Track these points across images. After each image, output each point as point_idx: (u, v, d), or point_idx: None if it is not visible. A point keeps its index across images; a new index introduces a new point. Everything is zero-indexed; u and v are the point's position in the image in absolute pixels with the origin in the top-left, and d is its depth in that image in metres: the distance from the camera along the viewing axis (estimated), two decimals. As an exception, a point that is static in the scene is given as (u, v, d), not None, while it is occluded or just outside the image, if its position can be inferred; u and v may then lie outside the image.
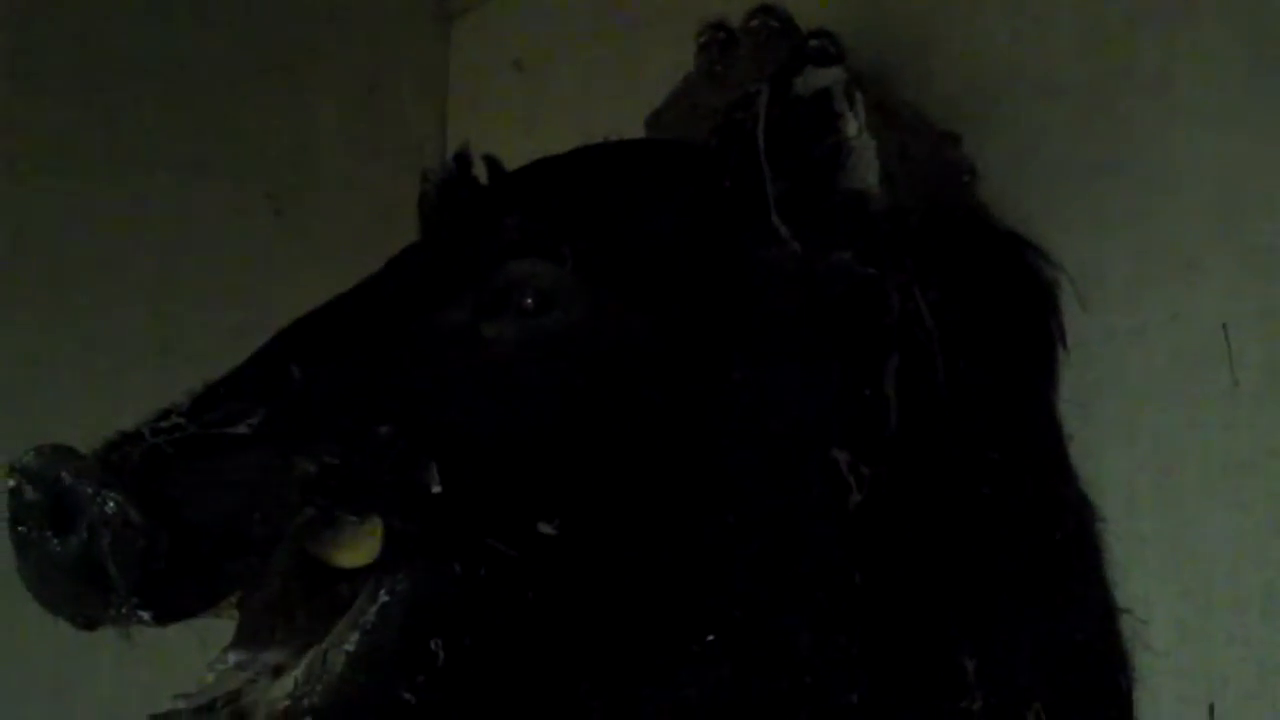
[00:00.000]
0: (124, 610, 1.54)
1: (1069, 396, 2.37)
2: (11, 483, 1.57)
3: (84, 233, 2.90)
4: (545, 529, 1.77)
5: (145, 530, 1.52)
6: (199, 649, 1.74)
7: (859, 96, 2.08)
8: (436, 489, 1.69)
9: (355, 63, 3.39)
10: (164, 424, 1.62)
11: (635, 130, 2.64)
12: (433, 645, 1.68)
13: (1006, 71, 2.55)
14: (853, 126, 2.06)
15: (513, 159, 3.40)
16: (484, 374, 1.84)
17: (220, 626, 1.74)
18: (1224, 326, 2.25)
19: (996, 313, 2.34)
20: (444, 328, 1.86)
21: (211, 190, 3.12)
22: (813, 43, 2.43)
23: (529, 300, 1.87)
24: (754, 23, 2.48)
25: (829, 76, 2.08)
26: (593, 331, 1.87)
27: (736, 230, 1.98)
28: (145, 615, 1.55)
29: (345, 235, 3.20)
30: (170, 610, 1.58)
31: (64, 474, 1.54)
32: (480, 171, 2.27)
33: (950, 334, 2.20)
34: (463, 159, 2.27)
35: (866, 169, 2.06)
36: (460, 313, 1.88)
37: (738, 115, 2.00)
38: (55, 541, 1.53)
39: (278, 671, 1.69)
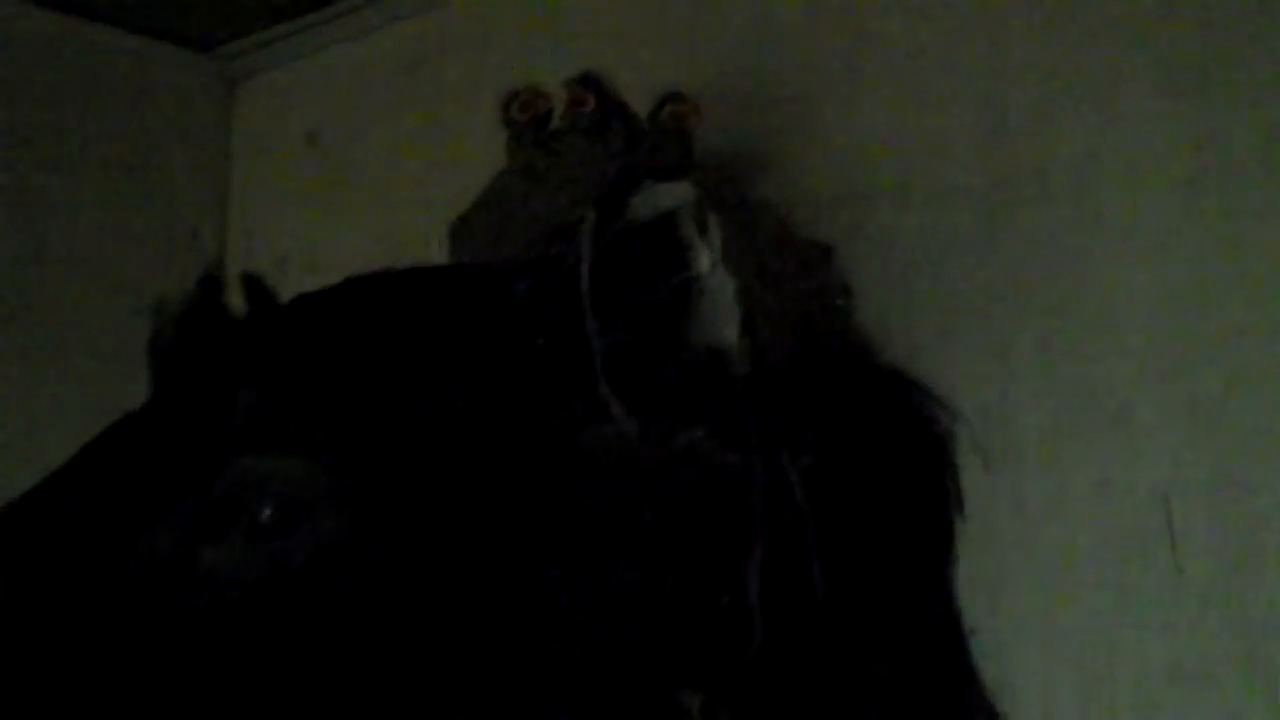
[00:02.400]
0: None
1: (970, 580, 1.91)
2: None
3: None
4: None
5: None
6: None
7: (714, 220, 1.59)
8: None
9: (118, 132, 2.85)
10: None
11: (446, 216, 2.18)
12: None
13: (891, 170, 2.12)
14: (705, 261, 1.58)
15: (305, 250, 2.91)
16: (199, 626, 1.33)
17: None
18: (1164, 498, 1.80)
19: (879, 477, 1.90)
20: (147, 558, 1.35)
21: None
22: (669, 108, 1.97)
23: (266, 513, 1.37)
24: (579, 106, 1.99)
25: (675, 194, 1.59)
26: (354, 555, 1.39)
27: (554, 404, 1.49)
28: None
29: (100, 344, 2.63)
30: None
31: None
32: (241, 301, 1.74)
33: (825, 509, 1.75)
34: (210, 286, 1.73)
35: (723, 316, 1.58)
36: (172, 533, 1.35)
37: (554, 250, 1.50)
38: None
39: None
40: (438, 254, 2.23)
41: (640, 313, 1.56)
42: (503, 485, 1.50)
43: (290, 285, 2.57)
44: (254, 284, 1.76)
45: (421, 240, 2.59)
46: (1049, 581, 1.92)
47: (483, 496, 1.48)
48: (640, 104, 2.09)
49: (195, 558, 1.40)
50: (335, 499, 1.42)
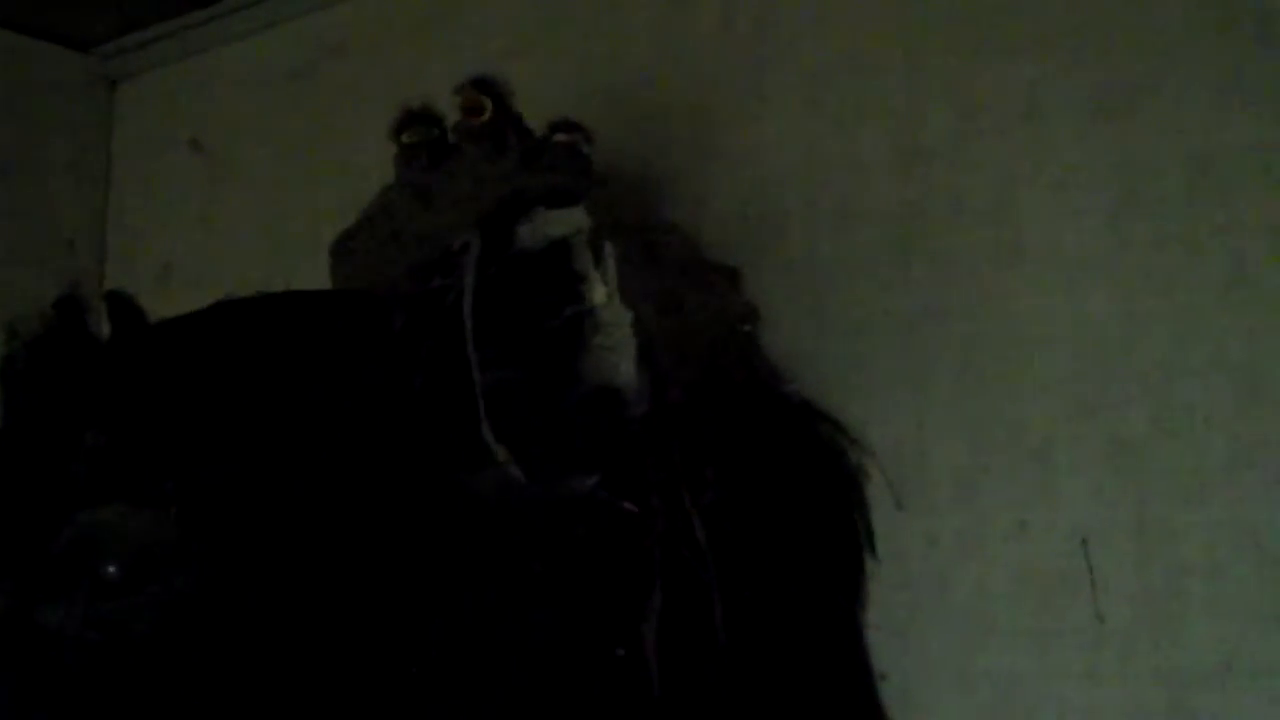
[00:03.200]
0: None
1: (882, 623, 1.83)
2: None
3: None
4: None
5: None
6: None
7: (609, 249, 1.49)
8: None
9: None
10: None
11: (334, 225, 2.08)
12: None
13: (800, 190, 2.01)
14: (600, 292, 1.48)
15: (188, 260, 2.76)
16: (37, 693, 1.20)
17: None
18: (1084, 541, 1.73)
19: (786, 514, 1.84)
20: (-22, 617, 1.22)
21: None
22: (559, 137, 1.86)
23: (110, 570, 1.23)
24: (471, 117, 1.86)
25: (567, 221, 1.48)
26: (207, 615, 1.27)
27: (433, 448, 1.37)
28: None
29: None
30: None
31: None
32: (105, 323, 1.62)
33: (729, 549, 1.67)
34: (69, 307, 1.62)
35: (619, 352, 1.47)
36: (8, 591, 1.23)
37: (436, 282, 1.39)
38: None
39: None
40: (323, 269, 2.10)
41: (528, 349, 1.45)
42: (375, 536, 1.38)
43: (173, 297, 2.42)
44: (119, 304, 1.63)
45: (308, 250, 2.46)
46: (964, 625, 1.81)
47: (353, 549, 1.36)
48: (536, 117, 1.97)
49: (33, 618, 1.27)
50: (187, 554, 1.30)
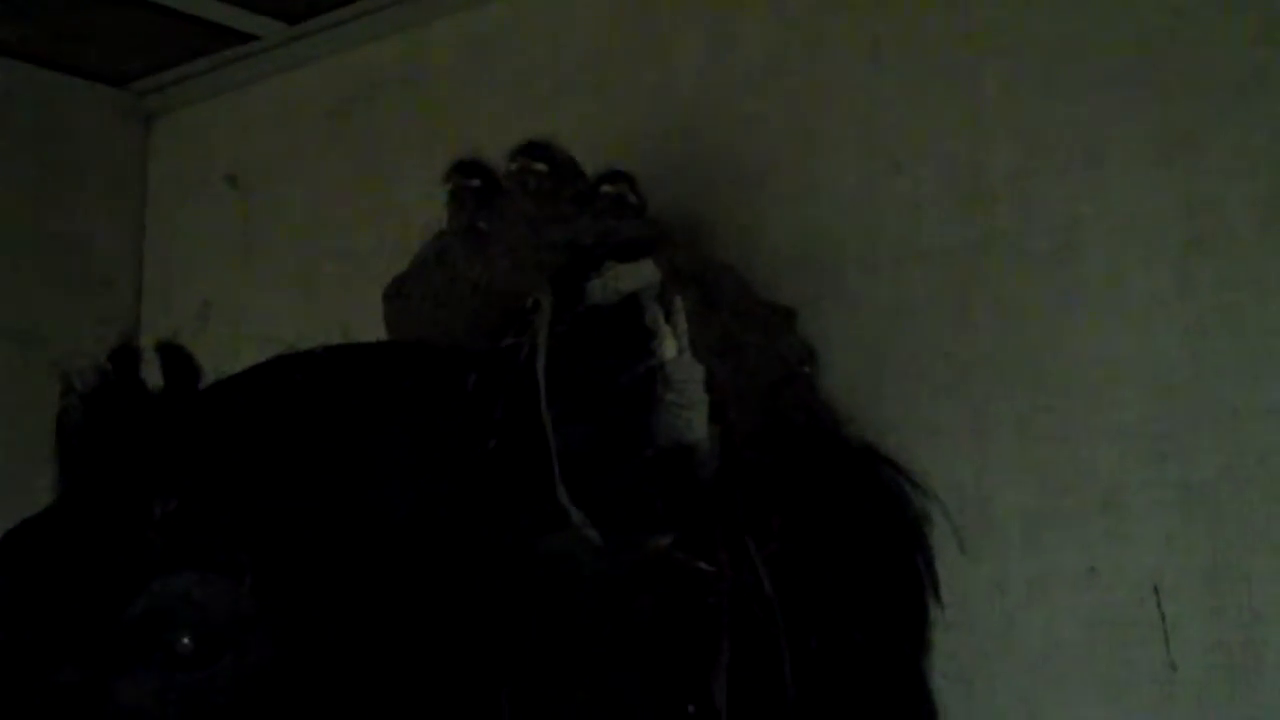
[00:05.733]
0: None
1: (946, 670, 1.80)
2: None
3: None
4: None
5: None
6: None
7: (679, 302, 1.46)
8: None
9: (22, 171, 2.66)
10: None
11: (374, 264, 2.07)
12: None
13: (856, 228, 1.98)
14: (671, 347, 1.44)
15: (226, 298, 2.74)
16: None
17: None
18: (1155, 589, 1.69)
19: (850, 561, 1.81)
20: (54, 692, 1.21)
21: None
22: (606, 188, 1.84)
23: (185, 640, 1.22)
24: (522, 165, 1.84)
25: (637, 275, 1.45)
26: (285, 688, 1.25)
27: (507, 510, 1.35)
28: None
29: (2, 402, 2.44)
30: None
31: None
32: (157, 374, 1.60)
33: (794, 598, 1.64)
34: (125, 357, 1.60)
35: (690, 408, 1.43)
36: (82, 664, 1.21)
37: (507, 341, 1.36)
38: None
39: None
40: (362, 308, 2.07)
41: (600, 407, 1.41)
42: (450, 603, 1.35)
43: (211, 335, 2.39)
44: (172, 354, 1.60)
45: (347, 289, 2.45)
46: (1031, 674, 1.79)
47: (428, 616, 1.33)
48: (582, 156, 1.94)
49: (107, 692, 1.25)
50: (262, 625, 1.27)
